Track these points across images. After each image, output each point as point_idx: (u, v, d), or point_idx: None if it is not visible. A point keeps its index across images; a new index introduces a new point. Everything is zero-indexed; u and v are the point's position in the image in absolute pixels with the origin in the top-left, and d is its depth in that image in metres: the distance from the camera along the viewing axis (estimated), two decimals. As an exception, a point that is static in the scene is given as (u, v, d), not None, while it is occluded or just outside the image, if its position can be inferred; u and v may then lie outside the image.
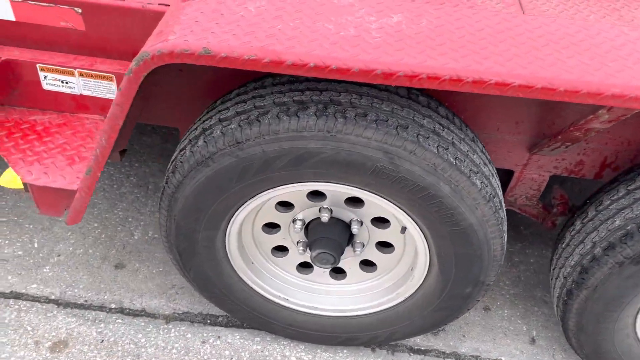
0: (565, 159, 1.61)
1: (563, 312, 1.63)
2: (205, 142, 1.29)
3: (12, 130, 1.59)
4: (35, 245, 2.07)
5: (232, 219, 1.45)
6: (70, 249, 2.07)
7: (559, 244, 1.65)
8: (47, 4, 1.50)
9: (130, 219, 2.19)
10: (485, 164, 1.34)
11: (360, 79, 1.08)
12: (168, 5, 1.47)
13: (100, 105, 1.64)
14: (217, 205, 1.38)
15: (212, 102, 1.45)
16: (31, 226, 2.13)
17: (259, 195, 1.37)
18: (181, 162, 1.34)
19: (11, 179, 1.53)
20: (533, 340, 1.96)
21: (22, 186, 1.53)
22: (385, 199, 1.33)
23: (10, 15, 1.53)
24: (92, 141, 1.58)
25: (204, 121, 1.35)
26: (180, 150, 1.37)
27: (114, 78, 1.56)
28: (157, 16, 1.49)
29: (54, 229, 2.13)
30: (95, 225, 2.15)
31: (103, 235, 2.13)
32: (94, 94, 1.61)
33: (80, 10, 1.51)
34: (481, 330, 1.96)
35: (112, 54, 1.59)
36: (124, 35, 1.55)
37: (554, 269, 1.67)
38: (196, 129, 1.36)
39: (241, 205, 1.40)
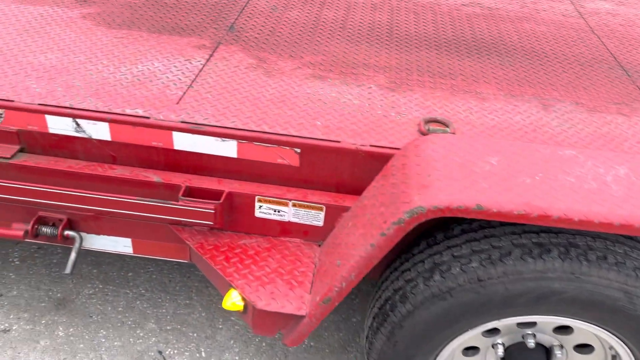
0: None
1: None
2: (442, 277, 1.41)
3: (228, 255, 1.74)
4: (203, 354, 2.16)
5: (448, 345, 1.55)
6: (237, 358, 2.15)
7: None
8: (269, 145, 1.70)
9: (285, 327, 2.29)
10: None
11: (621, 231, 1.21)
12: (382, 147, 1.65)
13: (302, 231, 1.79)
14: (442, 334, 1.48)
15: (428, 236, 1.59)
16: (195, 334, 2.23)
17: (483, 325, 1.48)
18: (413, 293, 1.46)
19: (233, 303, 1.66)
20: None
21: (242, 308, 1.66)
22: (608, 331, 1.43)
23: (233, 153, 1.73)
24: (301, 265, 1.72)
25: (432, 255, 1.48)
26: (408, 281, 1.49)
27: (324, 208, 1.73)
28: (368, 155, 1.67)
29: (217, 337, 2.23)
30: (254, 333, 2.26)
31: (263, 344, 2.22)
32: (301, 221, 1.77)
33: (299, 151, 1.70)
34: None
35: (319, 186, 1.76)
36: (333, 171, 1.72)
37: None
38: (423, 262, 1.49)
39: (462, 334, 1.50)
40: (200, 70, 1.99)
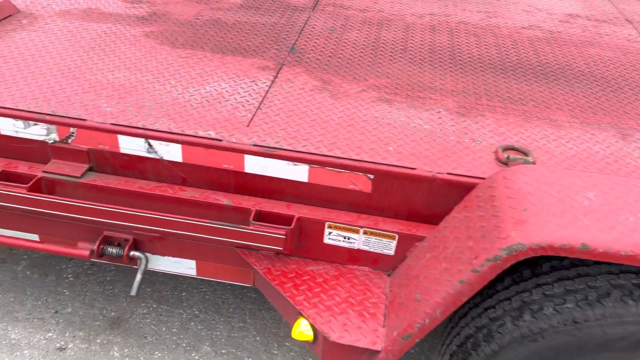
0: None
1: None
2: (534, 317, 1.34)
3: (296, 282, 1.69)
4: (258, 380, 2.11)
5: (531, 387, 1.47)
6: (293, 386, 2.10)
7: None
8: (342, 170, 1.66)
9: (340, 355, 2.23)
10: None
11: None
12: (460, 176, 1.59)
13: (371, 259, 1.74)
14: (529, 376, 1.41)
15: (512, 272, 1.51)
16: (249, 359, 2.19)
17: (571, 368, 1.40)
18: (500, 333, 1.39)
19: (301, 332, 1.61)
20: None
21: (311, 338, 1.61)
22: None
23: (304, 178, 1.70)
24: (371, 295, 1.66)
25: (520, 293, 1.41)
26: (493, 320, 1.42)
27: (396, 237, 1.67)
28: (445, 184, 1.62)
29: (272, 363, 2.18)
30: (311, 359, 2.20)
31: (319, 372, 2.16)
32: (370, 249, 1.71)
33: (372, 177, 1.65)
34: None
35: (390, 214, 1.71)
36: (405, 198, 1.67)
37: None
38: (510, 299, 1.42)
39: (548, 376, 1.43)
40: (266, 92, 1.97)
